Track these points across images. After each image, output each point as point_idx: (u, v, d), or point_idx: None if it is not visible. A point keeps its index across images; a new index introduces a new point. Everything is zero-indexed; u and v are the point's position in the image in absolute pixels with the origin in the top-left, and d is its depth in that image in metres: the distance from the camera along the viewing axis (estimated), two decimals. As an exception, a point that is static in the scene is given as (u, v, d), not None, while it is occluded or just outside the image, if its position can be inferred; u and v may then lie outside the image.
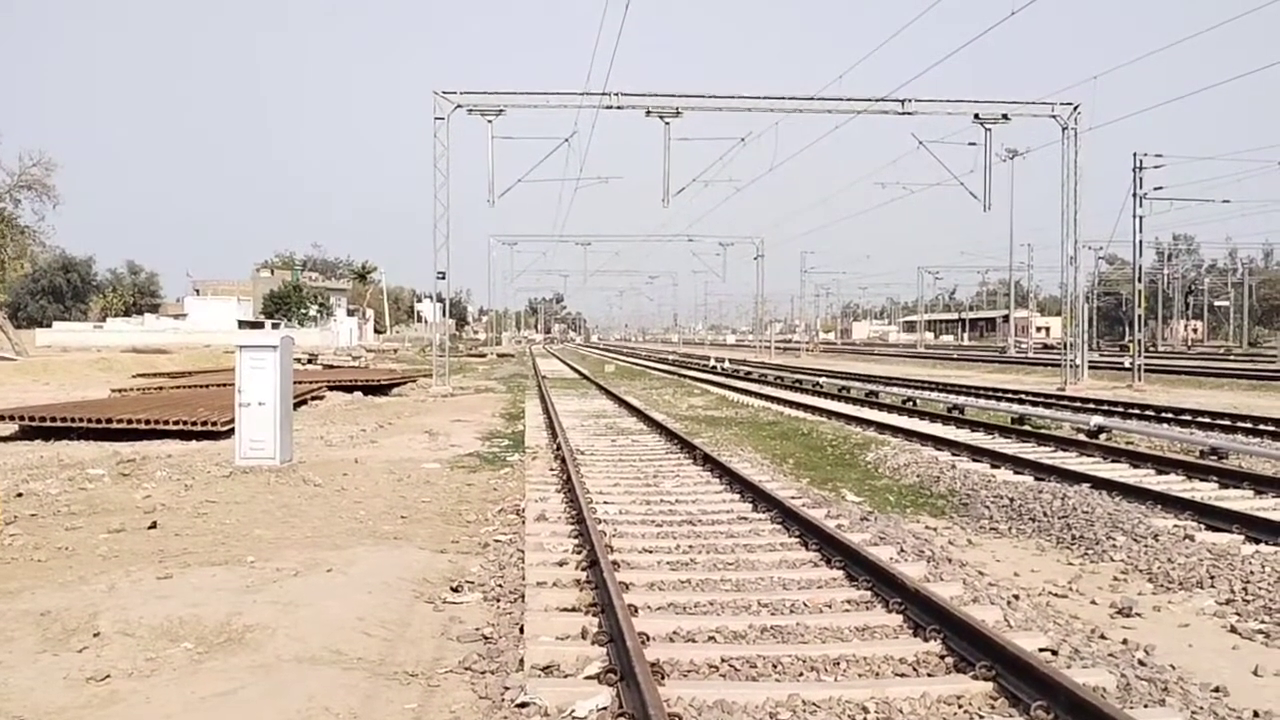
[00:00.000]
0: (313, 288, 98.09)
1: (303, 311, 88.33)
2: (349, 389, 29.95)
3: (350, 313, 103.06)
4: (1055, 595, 7.59)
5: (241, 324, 75.36)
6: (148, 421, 17.58)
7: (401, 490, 12.25)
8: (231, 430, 14.69)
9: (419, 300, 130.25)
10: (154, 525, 9.84)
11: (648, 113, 30.73)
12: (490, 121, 31.31)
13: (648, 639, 5.83)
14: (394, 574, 7.94)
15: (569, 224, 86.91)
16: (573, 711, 5.03)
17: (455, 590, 7.56)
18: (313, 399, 26.01)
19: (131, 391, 27.39)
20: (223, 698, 5.28)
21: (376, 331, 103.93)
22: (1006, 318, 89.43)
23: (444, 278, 33.32)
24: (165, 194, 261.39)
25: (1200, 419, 19.42)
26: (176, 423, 17.52)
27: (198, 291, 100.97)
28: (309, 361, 41.64)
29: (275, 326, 73.97)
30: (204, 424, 17.41)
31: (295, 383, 16.44)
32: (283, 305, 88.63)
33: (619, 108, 30.52)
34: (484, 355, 74.94)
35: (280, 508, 10.93)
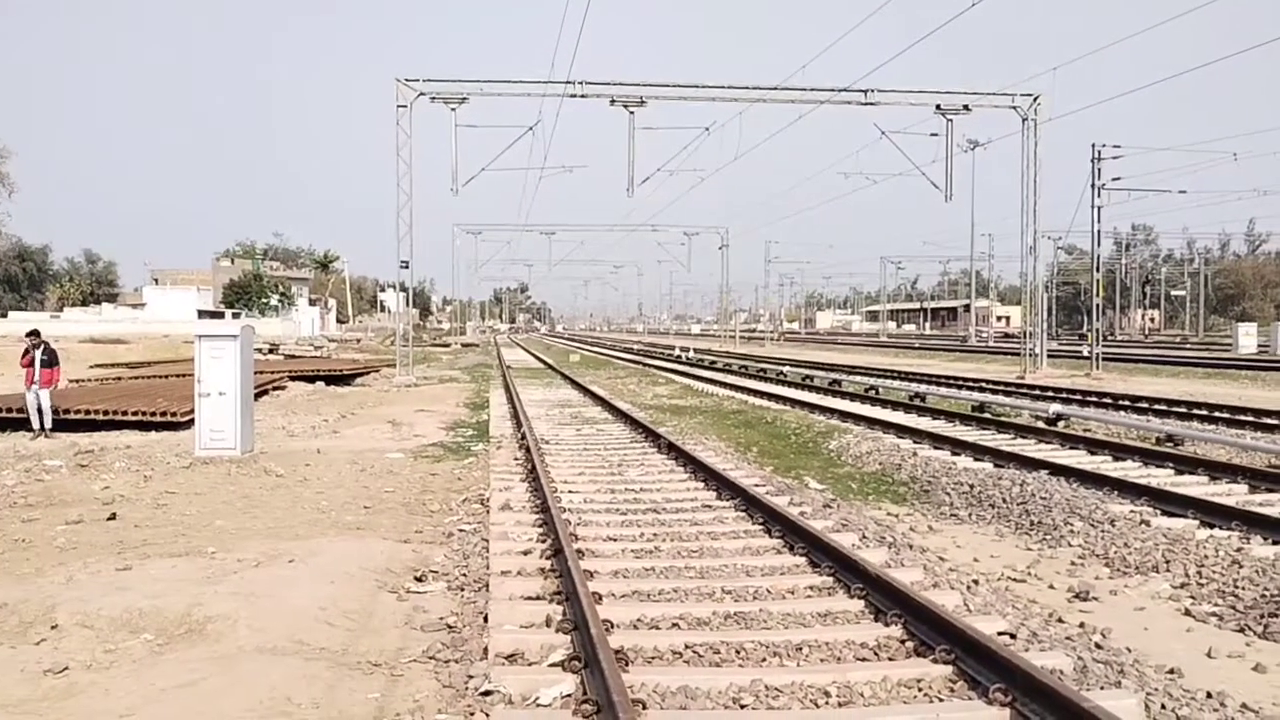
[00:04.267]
0: (274, 277, 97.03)
1: (264, 301, 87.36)
2: (311, 379, 29.70)
3: (312, 302, 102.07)
4: (1014, 580, 7.70)
5: (201, 314, 74.33)
6: (106, 412, 17.36)
7: (364, 480, 12.19)
8: (191, 421, 14.55)
9: (382, 290, 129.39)
10: (113, 516, 9.74)
11: (612, 102, 30.65)
12: (453, 110, 31.07)
13: (612, 626, 5.85)
14: (357, 564, 7.90)
15: (533, 213, 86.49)
16: (536, 699, 5.04)
17: (419, 580, 7.55)
18: (274, 389, 25.78)
19: (89, 382, 26.99)
20: (183, 689, 5.24)
21: (339, 321, 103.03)
22: (968, 307, 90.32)
23: (407, 267, 33.08)
24: (123, 182, 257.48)
25: (1156, 406, 19.72)
26: (135, 413, 17.31)
27: (156, 281, 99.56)
28: (270, 351, 41.28)
29: (236, 316, 73.06)
30: (163, 414, 17.21)
31: (256, 373, 16.30)
32: (243, 295, 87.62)
33: (583, 96, 30.42)
34: (448, 345, 74.58)
35: (241, 498, 10.85)
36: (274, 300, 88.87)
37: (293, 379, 28.74)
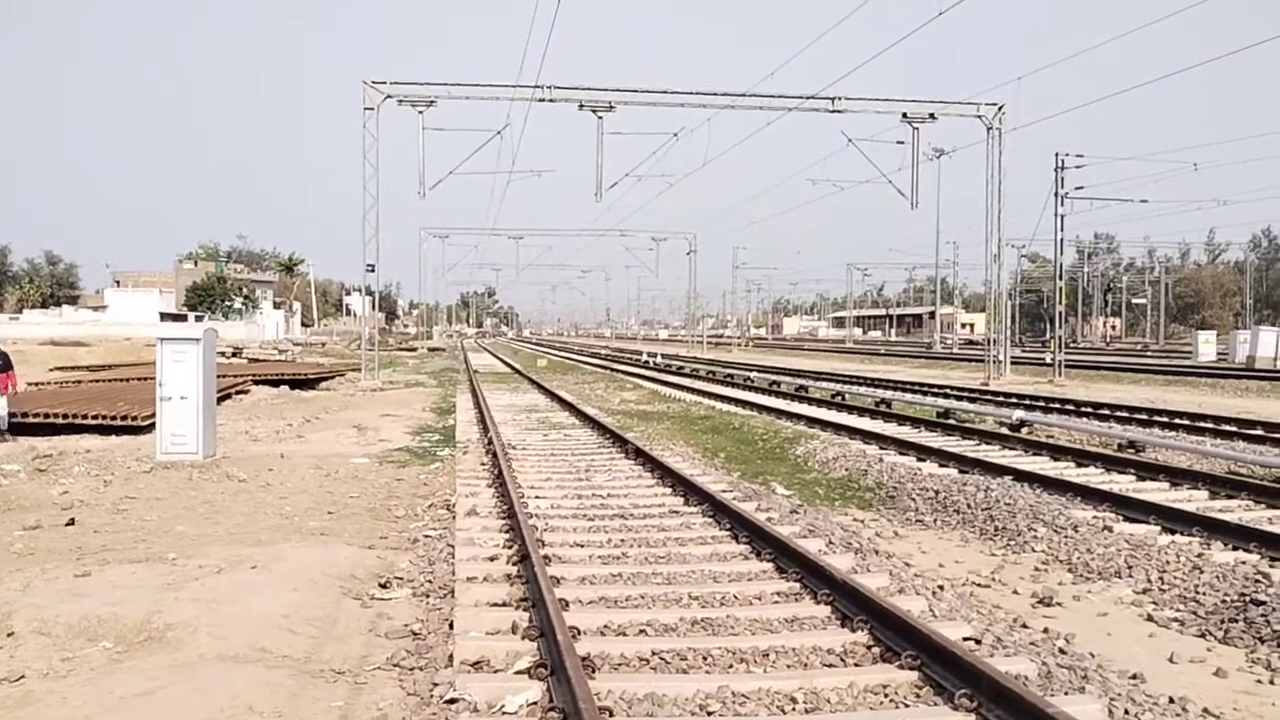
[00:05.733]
0: (238, 280, 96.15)
1: (227, 304, 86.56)
2: (275, 383, 29.43)
3: (277, 305, 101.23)
4: (978, 585, 7.75)
5: (163, 316, 73.54)
6: (65, 416, 17.11)
7: (329, 485, 12.08)
8: (152, 425, 14.37)
9: (348, 293, 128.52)
10: (72, 522, 9.58)
11: (580, 106, 30.64)
12: (421, 113, 30.92)
13: (578, 633, 5.82)
14: (321, 570, 7.82)
15: (501, 217, 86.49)
16: (502, 706, 5.00)
17: (384, 586, 7.48)
18: (237, 393, 25.52)
19: (49, 385, 26.58)
20: (142, 697, 5.15)
21: (304, 325, 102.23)
22: (933, 314, 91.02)
23: (373, 270, 32.88)
24: (85, 183, 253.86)
25: (1118, 413, 19.94)
26: (95, 417, 17.07)
27: (118, 283, 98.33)
28: (233, 355, 40.88)
29: (199, 319, 72.36)
30: (124, 418, 16.98)
31: (219, 376, 16.13)
32: (206, 297, 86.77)
33: (551, 101, 30.39)
34: (414, 349, 74.19)
35: (203, 504, 10.71)
36: (237, 303, 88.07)
37: (256, 383, 28.46)
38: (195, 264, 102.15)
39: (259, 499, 11.08)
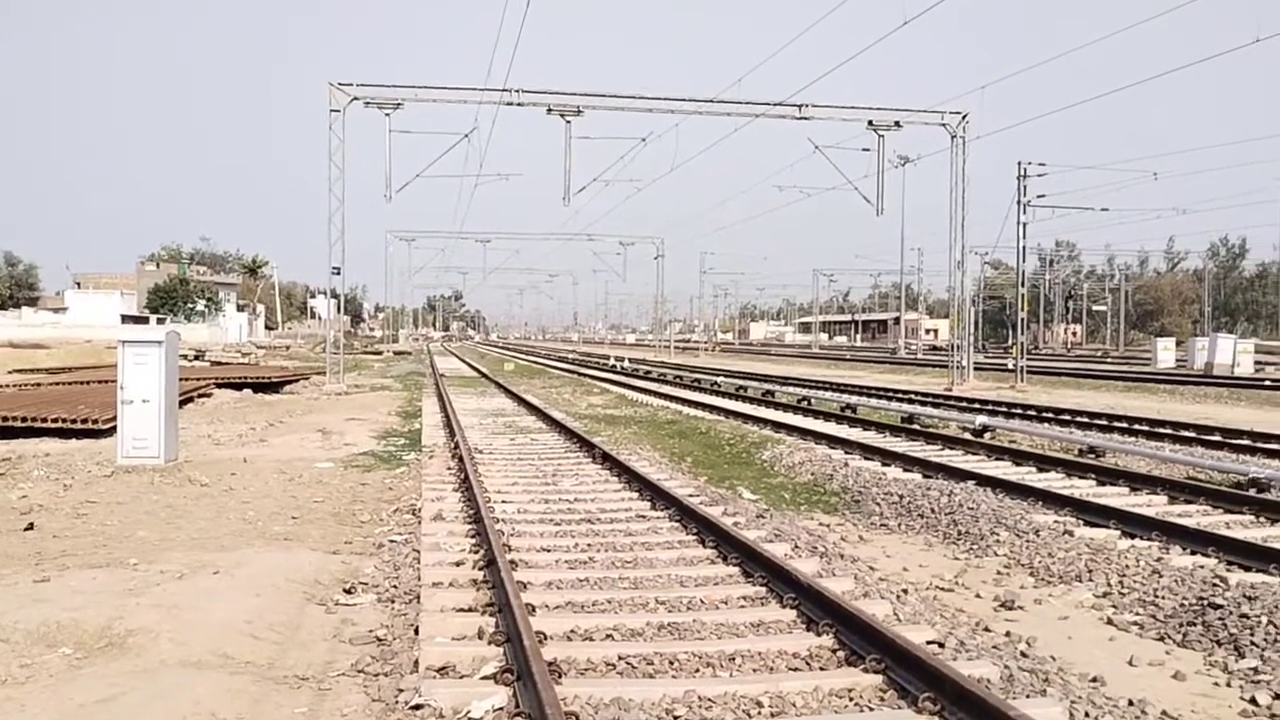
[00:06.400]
0: (200, 282, 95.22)
1: (190, 306, 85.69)
2: (238, 386, 29.13)
3: (240, 308, 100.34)
4: (942, 589, 7.82)
5: (125, 319, 72.67)
6: (24, 419, 16.85)
7: (293, 490, 11.98)
8: (113, 428, 14.18)
9: (312, 296, 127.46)
10: (30, 526, 9.44)
11: (549, 110, 30.60)
12: (388, 115, 30.78)
13: (545, 638, 5.82)
14: (284, 576, 7.75)
15: (468, 221, 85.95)
16: (468, 712, 4.99)
17: (348, 592, 7.43)
18: (199, 396, 25.25)
19: (7, 388, 26.17)
20: (103, 704, 5.09)
21: (268, 328, 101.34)
22: (897, 320, 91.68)
23: (339, 273, 32.70)
24: (45, 184, 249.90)
25: (1079, 419, 20.19)
26: (55, 420, 16.82)
27: (79, 285, 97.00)
28: (196, 358, 40.43)
29: (161, 322, 71.55)
30: (84, 421, 16.75)
31: (181, 379, 15.96)
32: (169, 300, 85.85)
33: (520, 105, 30.33)
34: (380, 353, 73.76)
35: (165, 508, 10.59)
36: (200, 305, 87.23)
37: (219, 386, 28.16)
38: (157, 266, 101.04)
39: (221, 503, 10.97)
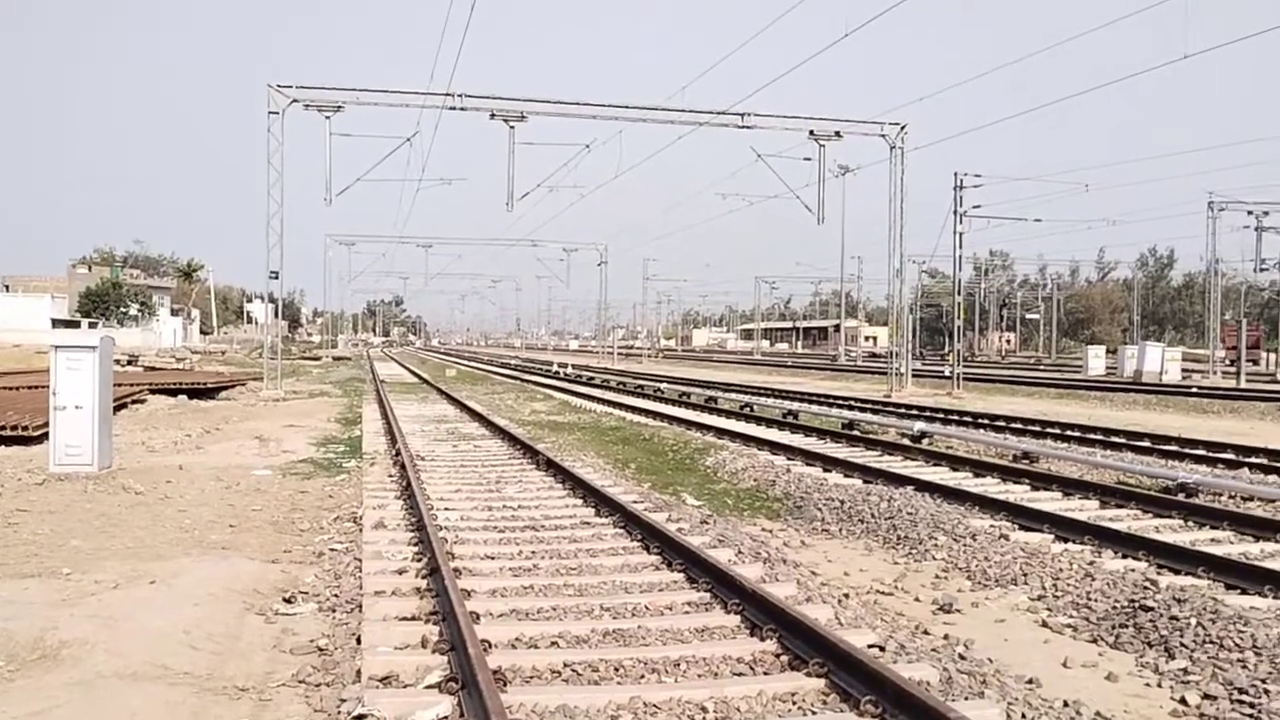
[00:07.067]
0: (134, 285, 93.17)
1: (123, 310, 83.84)
2: (173, 392, 28.56)
3: (175, 312, 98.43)
4: (882, 593, 7.93)
5: (55, 323, 70.95)
6: (-53, 426, 16.34)
7: (230, 498, 11.79)
8: (45, 435, 13.83)
9: (249, 300, 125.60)
10: (-45, 537, 9.17)
11: (492, 115, 30.47)
12: (328, 118, 30.42)
13: (490, 646, 5.80)
14: (222, 585, 7.63)
15: (410, 225, 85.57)
16: (412, 721, 4.95)
17: (288, 601, 7.33)
18: (134, 402, 24.71)
19: (-72, 393, 25.37)
20: (36, 717, 4.97)
21: (203, 332, 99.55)
22: (838, 327, 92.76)
23: (277, 277, 32.20)
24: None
25: (1013, 425, 20.58)
26: (-19, 427, 16.35)
27: (7, 288, 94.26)
28: (130, 363, 39.52)
29: (93, 326, 69.95)
30: (14, 428, 16.30)
31: (115, 385, 15.60)
32: (101, 304, 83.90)
33: (462, 109, 30.16)
34: (319, 358, 72.78)
35: (99, 517, 10.36)
36: (134, 310, 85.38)
37: (153, 392, 27.59)
38: (89, 269, 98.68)
39: (157, 512, 10.76)
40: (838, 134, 32.74)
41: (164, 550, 8.88)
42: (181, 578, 7.80)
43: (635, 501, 10.96)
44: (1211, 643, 6.21)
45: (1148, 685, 5.84)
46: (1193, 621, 6.52)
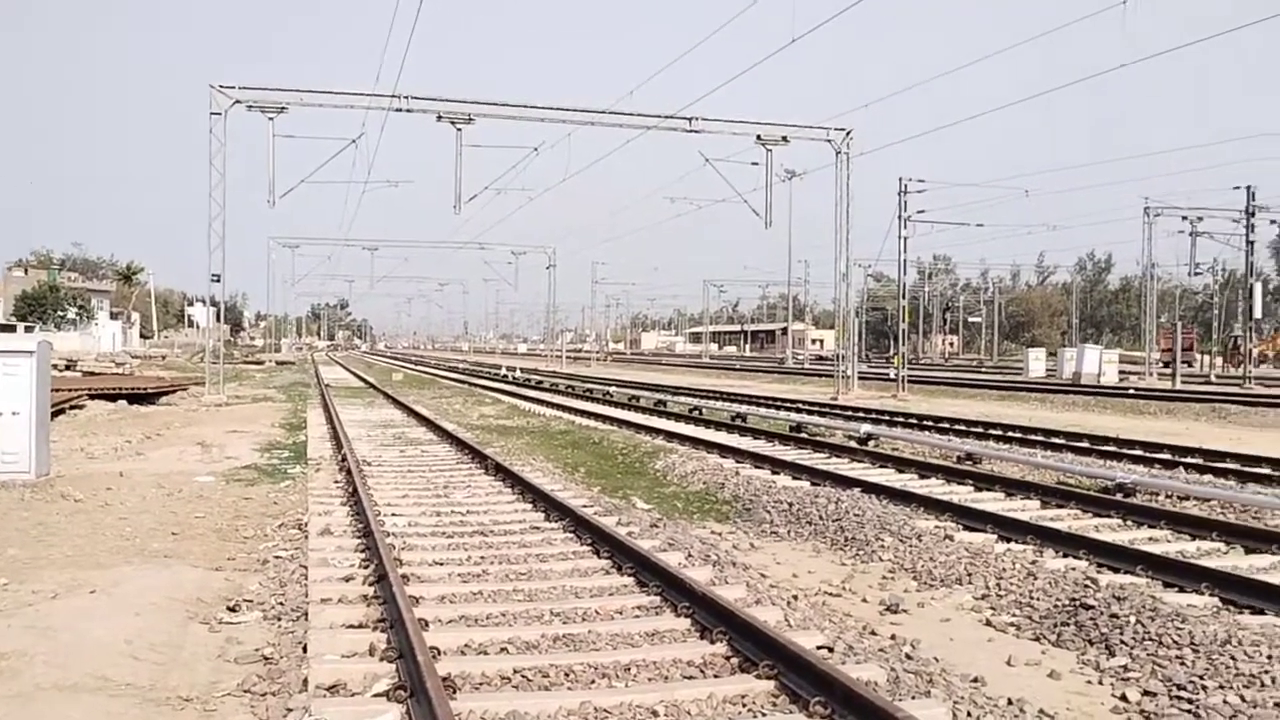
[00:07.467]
0: (72, 288, 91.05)
1: (60, 314, 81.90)
2: (113, 397, 28.04)
3: (114, 316, 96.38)
4: (830, 595, 8.00)
5: (-12, 326, 69.09)
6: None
7: (172, 505, 11.58)
8: (-22, 442, 13.47)
9: (191, 304, 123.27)
10: (-116, 548, 8.91)
11: (439, 118, 30.25)
12: (272, 119, 29.99)
13: (439, 653, 5.76)
14: (165, 594, 7.50)
15: (356, 228, 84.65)
16: (361, 730, 4.91)
17: (232, 610, 7.23)
18: (72, 408, 24.22)
19: None
20: (-30, 735, 4.86)
21: (143, 336, 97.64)
22: (785, 330, 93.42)
23: (219, 280, 31.70)
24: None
25: (957, 426, 20.87)
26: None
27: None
28: (68, 368, 38.66)
29: (29, 330, 68.28)
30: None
31: (53, 390, 15.26)
32: (38, 307, 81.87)
33: (409, 111, 29.90)
34: (261, 363, 71.83)
35: (36, 525, 10.12)
36: (72, 313, 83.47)
37: (92, 397, 27.07)
38: (25, 272, 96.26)
39: (97, 520, 10.54)
40: (784, 139, 32.96)
41: (104, 559, 8.71)
42: (122, 586, 7.65)
43: (585, 506, 10.95)
44: (1150, 640, 6.35)
45: (1089, 683, 5.95)
46: (1132, 619, 6.66)
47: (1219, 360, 52.85)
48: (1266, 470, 13.68)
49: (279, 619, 6.99)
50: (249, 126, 31.44)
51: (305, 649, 6.07)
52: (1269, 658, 5.86)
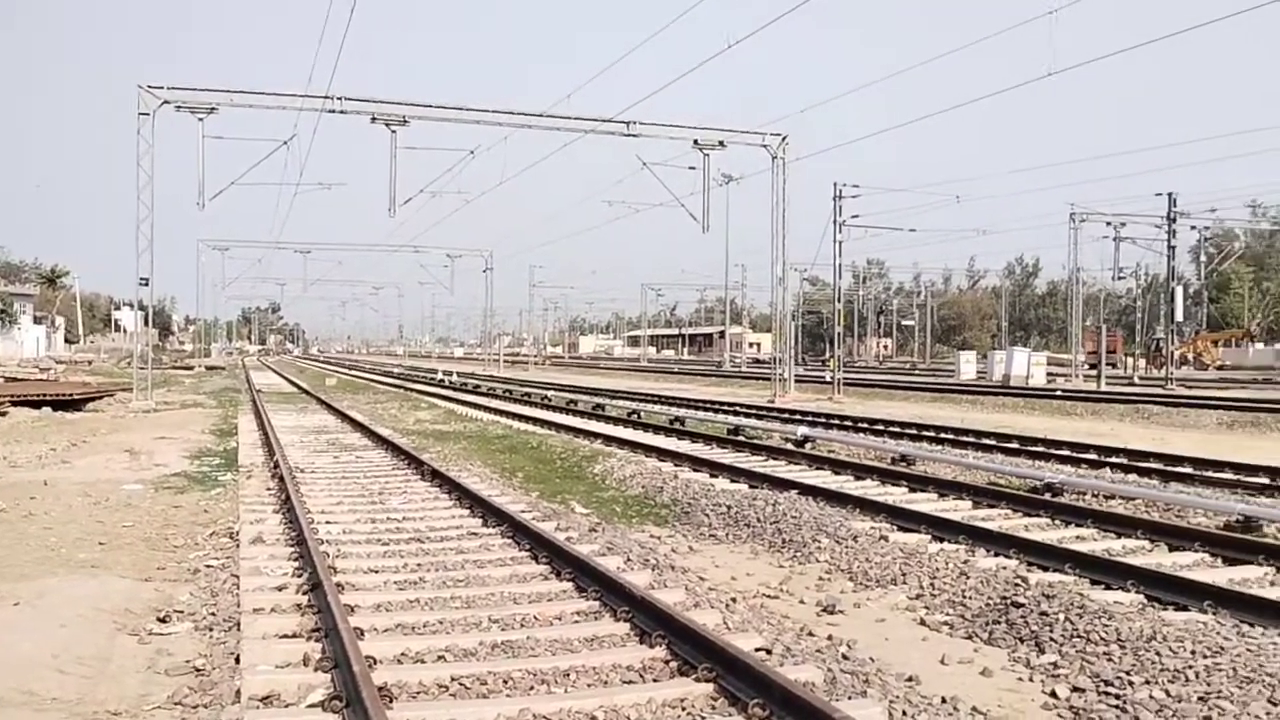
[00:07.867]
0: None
1: (-20, 318, 79.49)
2: (36, 404, 27.26)
3: (38, 320, 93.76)
4: (768, 596, 8.06)
5: (-97, 331, 66.84)
6: None
7: (99, 514, 11.31)
8: (-109, 452, 13.05)
9: (117, 308, 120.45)
10: None
11: (373, 119, 29.90)
12: (201, 120, 29.42)
13: (375, 662, 5.70)
14: (92, 605, 7.32)
15: (288, 231, 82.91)
16: (296, 741, 4.84)
17: (162, 620, 7.07)
18: (-9, 415, 23.50)
19: None
20: (-115, 755, 4.69)
21: (68, 341, 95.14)
22: (723, 334, 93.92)
23: (147, 284, 30.96)
24: None
25: (891, 428, 21.17)
26: None
27: None
28: (-13, 374, 37.56)
29: (-55, 335, 66.15)
30: None
31: (-29, 398, 14.82)
32: (-44, 311, 79.39)
33: (342, 112, 29.51)
34: (191, 368, 70.39)
35: (-46, 537, 9.82)
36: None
37: (15, 404, 26.30)
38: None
39: (21, 530, 10.25)
40: (721, 143, 33.15)
41: (28, 570, 8.47)
42: (48, 598, 7.45)
43: (523, 511, 10.90)
44: (1079, 637, 6.50)
45: (1020, 680, 6.08)
46: (1061, 617, 6.81)
47: (1142, 362, 54.17)
48: (1188, 469, 14.09)
49: (210, 629, 6.86)
50: (178, 128, 30.86)
51: (238, 659, 5.97)
52: (1192, 653, 6.03)
